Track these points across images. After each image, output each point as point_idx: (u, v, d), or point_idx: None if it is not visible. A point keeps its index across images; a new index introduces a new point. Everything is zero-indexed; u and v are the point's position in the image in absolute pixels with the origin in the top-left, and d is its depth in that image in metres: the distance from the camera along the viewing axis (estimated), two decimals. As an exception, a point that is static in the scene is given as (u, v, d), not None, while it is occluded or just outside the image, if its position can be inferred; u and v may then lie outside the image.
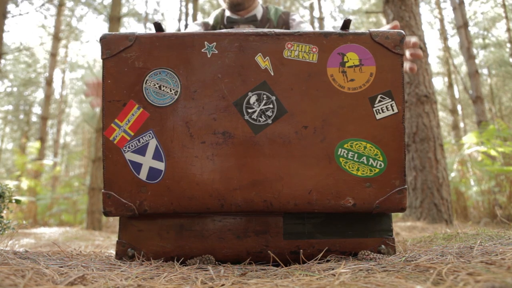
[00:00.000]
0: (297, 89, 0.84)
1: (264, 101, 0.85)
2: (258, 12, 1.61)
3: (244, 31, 0.87)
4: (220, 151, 0.86)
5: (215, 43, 0.86)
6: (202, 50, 0.86)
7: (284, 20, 1.62)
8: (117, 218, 7.88)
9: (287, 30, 0.88)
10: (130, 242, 0.94)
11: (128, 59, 0.85)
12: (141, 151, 0.86)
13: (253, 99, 0.85)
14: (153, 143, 0.85)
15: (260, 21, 1.59)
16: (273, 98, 0.85)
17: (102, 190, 0.88)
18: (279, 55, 0.85)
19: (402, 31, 0.86)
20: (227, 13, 1.60)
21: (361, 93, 0.83)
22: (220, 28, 1.59)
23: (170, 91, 0.86)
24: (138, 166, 0.86)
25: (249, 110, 0.85)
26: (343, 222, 0.90)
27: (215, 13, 1.66)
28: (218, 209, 0.86)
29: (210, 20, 1.64)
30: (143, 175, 0.86)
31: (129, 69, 0.85)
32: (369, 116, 0.84)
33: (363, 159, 0.84)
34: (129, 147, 0.86)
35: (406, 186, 0.86)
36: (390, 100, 0.83)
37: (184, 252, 0.92)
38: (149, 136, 0.86)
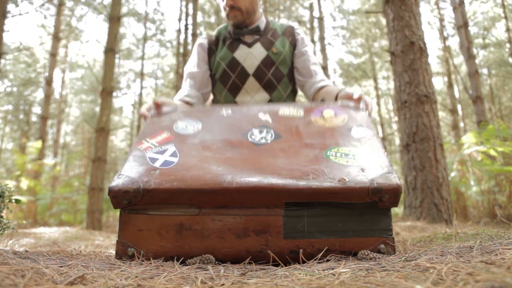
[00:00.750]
0: (290, 129, 1.11)
1: (264, 132, 1.10)
2: (262, 23, 1.67)
3: (256, 107, 1.23)
4: (227, 153, 1.02)
5: (230, 110, 1.21)
6: (221, 113, 1.19)
7: (290, 32, 1.70)
8: (117, 218, 7.89)
9: (281, 105, 1.22)
10: (130, 241, 0.95)
11: (166, 114, 1.21)
12: (161, 152, 1.04)
13: (256, 131, 1.10)
14: (172, 148, 1.05)
15: (263, 31, 1.66)
16: (271, 131, 1.10)
17: (118, 175, 0.97)
18: (276, 113, 1.18)
19: (358, 95, 1.23)
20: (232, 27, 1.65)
21: (342, 126, 1.11)
22: (224, 39, 1.68)
23: (194, 127, 1.14)
24: (155, 160, 1.01)
25: (252, 136, 1.09)
26: (343, 221, 0.92)
27: (221, 27, 1.73)
28: (218, 186, 0.90)
29: (216, 33, 1.70)
30: (157, 164, 0.99)
31: (167, 119, 1.18)
32: (348, 136, 1.06)
33: (350, 156, 0.99)
34: (151, 151, 1.05)
35: (394, 171, 0.94)
36: (365, 128, 1.10)
37: (184, 252, 0.93)
38: (170, 146, 1.06)
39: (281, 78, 1.63)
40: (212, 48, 1.68)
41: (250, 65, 1.60)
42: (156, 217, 0.94)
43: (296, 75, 1.69)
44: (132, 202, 0.92)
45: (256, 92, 1.62)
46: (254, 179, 0.90)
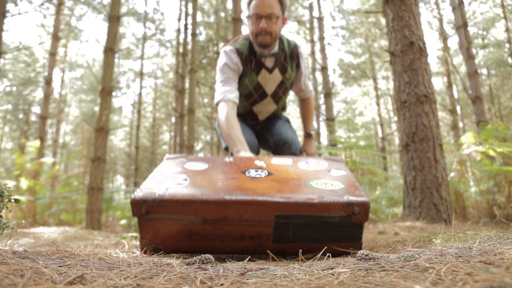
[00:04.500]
0: (280, 169, 1.35)
1: (259, 171, 1.33)
2: (277, 47, 2.01)
3: (246, 156, 1.56)
4: (229, 181, 1.23)
5: (232, 157, 1.48)
6: (224, 160, 1.45)
7: (296, 54, 2.08)
8: (117, 219, 7.85)
9: (270, 158, 1.49)
10: (151, 240, 1.15)
11: (178, 161, 1.47)
12: (175, 177, 1.27)
13: (252, 170, 1.34)
14: (183, 176, 1.28)
15: (279, 55, 2.01)
16: (265, 170, 1.34)
17: (139, 188, 1.20)
18: (269, 162, 1.44)
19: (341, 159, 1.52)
20: (255, 47, 1.98)
21: (323, 169, 1.37)
22: (250, 59, 1.99)
23: (201, 166, 1.39)
24: (169, 180, 1.24)
25: (249, 173, 1.31)
26: (322, 231, 1.12)
27: (243, 42, 2.00)
28: (221, 198, 1.10)
29: (243, 50, 1.98)
30: (171, 183, 1.21)
31: (178, 162, 1.44)
32: (328, 174, 1.32)
33: (329, 184, 1.22)
34: (166, 175, 1.29)
35: (364, 194, 1.18)
36: (342, 170, 1.36)
37: (194, 249, 1.16)
38: (182, 175, 1.30)
39: (286, 91, 2.14)
40: (244, 68, 1.99)
41: (269, 89, 2.07)
42: (169, 224, 1.12)
43: (293, 87, 2.21)
44: (149, 211, 1.11)
45: (268, 105, 2.14)
46: (249, 196, 1.11)
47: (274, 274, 0.78)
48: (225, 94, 1.89)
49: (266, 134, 2.20)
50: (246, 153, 1.66)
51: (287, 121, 2.28)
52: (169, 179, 1.24)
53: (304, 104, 2.32)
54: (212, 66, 11.66)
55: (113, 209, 7.08)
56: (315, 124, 15.30)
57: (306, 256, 1.08)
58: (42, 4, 10.95)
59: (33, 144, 6.50)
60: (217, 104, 1.93)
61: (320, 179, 1.27)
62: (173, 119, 16.43)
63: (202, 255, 0.96)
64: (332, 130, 8.90)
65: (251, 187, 1.18)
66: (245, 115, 2.19)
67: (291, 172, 1.33)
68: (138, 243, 2.26)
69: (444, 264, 0.71)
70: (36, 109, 18.14)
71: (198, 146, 20.72)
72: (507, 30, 12.00)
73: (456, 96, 14.83)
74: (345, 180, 1.27)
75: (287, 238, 1.12)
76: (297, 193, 1.13)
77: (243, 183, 1.21)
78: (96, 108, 20.12)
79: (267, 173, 1.31)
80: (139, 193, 1.13)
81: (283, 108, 2.33)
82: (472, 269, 0.66)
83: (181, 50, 10.53)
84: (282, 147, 2.05)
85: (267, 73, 2.01)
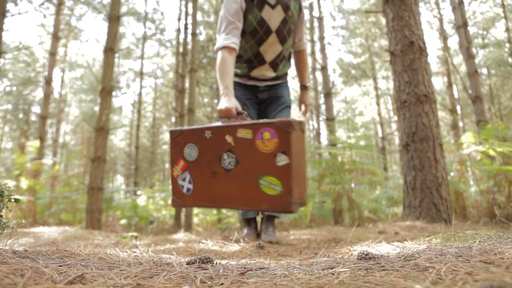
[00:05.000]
0: (245, 152, 1.55)
1: (230, 157, 1.56)
2: None
3: (220, 124, 1.65)
4: (213, 183, 1.59)
5: (210, 132, 1.63)
6: (205, 135, 1.64)
7: (300, 5, 2.26)
8: (117, 219, 7.88)
9: (236, 123, 1.61)
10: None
11: (179, 140, 1.69)
12: (183, 179, 1.63)
13: (225, 156, 1.58)
14: (188, 176, 1.63)
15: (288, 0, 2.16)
16: (235, 157, 1.56)
17: (173, 197, 1.65)
18: (235, 136, 1.57)
19: (291, 120, 1.54)
20: None
21: (271, 152, 1.51)
22: (253, 2, 2.11)
23: (194, 154, 1.65)
24: (182, 187, 1.62)
25: (225, 162, 1.57)
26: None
27: None
28: (211, 204, 1.59)
29: None
30: (184, 190, 1.62)
31: (179, 144, 1.66)
32: (274, 164, 1.49)
33: (272, 186, 1.47)
34: (179, 178, 1.63)
35: (293, 200, 1.47)
36: (285, 156, 1.49)
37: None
38: (187, 173, 1.64)
39: (290, 34, 2.21)
40: (247, 5, 2.08)
41: (273, 25, 2.13)
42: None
43: (295, 35, 2.30)
44: (182, 206, 1.63)
45: (274, 44, 2.18)
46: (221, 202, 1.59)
47: (274, 274, 0.78)
48: (223, 42, 1.98)
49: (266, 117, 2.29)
50: (228, 101, 1.81)
51: (288, 106, 2.35)
52: (181, 183, 1.66)
53: (299, 56, 2.42)
54: (212, 66, 11.66)
55: (113, 209, 7.08)
56: (315, 124, 15.29)
57: (306, 256, 1.09)
58: (42, 3, 10.95)
59: (33, 144, 6.50)
60: (216, 51, 2.01)
61: (266, 175, 1.53)
62: (173, 119, 16.42)
63: (202, 254, 0.96)
64: (332, 130, 8.90)
65: (222, 193, 1.58)
66: (252, 59, 2.21)
67: (250, 158, 1.59)
68: (138, 242, 2.26)
69: (444, 264, 0.71)
70: (36, 109, 18.15)
71: (198, 146, 20.65)
72: (507, 29, 12.00)
73: (456, 95, 14.83)
74: (284, 175, 1.51)
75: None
76: (247, 204, 1.55)
77: (219, 188, 1.60)
78: (96, 108, 20.12)
79: (235, 162, 1.58)
80: (171, 201, 1.70)
81: (288, 58, 2.35)
82: (472, 268, 0.66)
83: (181, 50, 10.53)
84: None
85: (270, 9, 2.10)
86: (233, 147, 1.59)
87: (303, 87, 2.49)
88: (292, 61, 2.47)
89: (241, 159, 1.57)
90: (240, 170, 1.55)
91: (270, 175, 1.51)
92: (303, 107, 2.46)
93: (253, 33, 2.14)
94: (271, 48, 2.19)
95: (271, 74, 2.30)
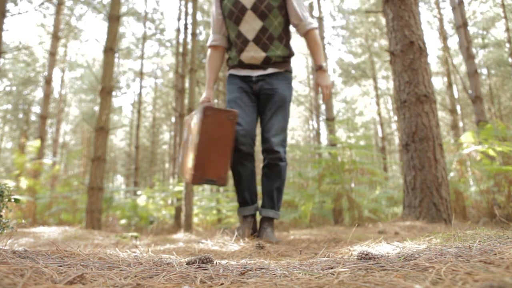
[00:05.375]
0: (191, 134, 2.00)
1: (189, 139, 1.93)
2: None
3: (192, 113, 2.11)
4: (184, 155, 2.11)
5: (189, 117, 2.11)
6: (189, 121, 2.12)
7: None
8: (117, 219, 7.85)
9: (193, 112, 2.13)
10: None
11: (185, 124, 2.25)
12: (179, 154, 2.17)
13: (189, 138, 1.97)
14: (181, 151, 2.18)
15: None
16: (190, 137, 1.97)
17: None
18: (194, 122, 2.00)
19: (205, 106, 1.98)
20: None
21: (194, 134, 1.96)
22: None
23: (184, 135, 2.14)
24: (178, 158, 2.23)
25: (188, 142, 1.97)
26: None
27: None
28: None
29: None
30: (179, 161, 2.20)
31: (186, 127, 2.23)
32: (189, 146, 2.04)
33: (190, 161, 1.94)
34: (178, 152, 2.51)
35: (195, 173, 1.89)
36: (198, 136, 1.92)
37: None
38: (180, 149, 2.16)
39: (272, 9, 2.19)
40: None
41: (248, 2, 2.18)
42: None
43: (291, 19, 2.28)
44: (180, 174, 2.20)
45: (252, 21, 2.20)
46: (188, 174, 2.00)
47: (274, 274, 0.78)
48: (209, 41, 2.37)
49: (260, 118, 2.33)
50: (204, 93, 2.31)
51: (284, 103, 2.25)
52: (179, 157, 2.24)
53: (307, 39, 2.31)
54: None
55: (113, 209, 7.08)
56: (314, 124, 15.30)
57: (306, 256, 1.10)
58: (42, 3, 10.95)
59: (33, 144, 6.50)
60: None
61: (191, 151, 1.92)
62: (173, 119, 16.42)
63: (202, 254, 0.96)
64: (332, 130, 8.89)
65: (183, 166, 2.08)
66: (236, 41, 2.27)
67: (191, 139, 1.96)
68: (138, 242, 2.26)
69: (444, 264, 0.71)
70: (36, 109, 18.14)
71: (198, 145, 20.65)
72: (507, 29, 12.00)
73: (456, 95, 14.82)
74: (194, 152, 1.90)
75: None
76: (188, 174, 1.99)
77: (184, 161, 2.07)
78: (96, 108, 20.12)
79: (189, 143, 2.00)
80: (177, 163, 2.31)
81: (282, 40, 2.27)
82: (472, 268, 0.66)
83: (181, 49, 10.53)
84: (267, 153, 2.22)
85: None
86: (190, 130, 2.03)
87: (318, 68, 2.28)
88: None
89: (191, 139, 2.01)
90: (186, 148, 2.01)
91: (191, 152, 1.91)
92: (320, 91, 2.28)
93: (230, 15, 2.24)
94: (251, 26, 2.20)
95: (260, 54, 2.23)
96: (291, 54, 2.34)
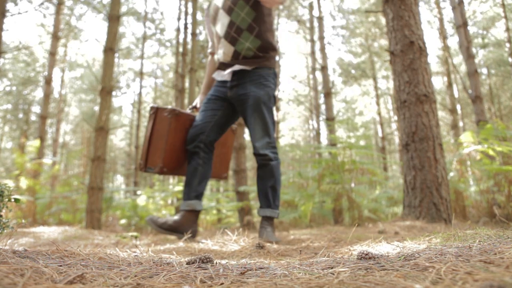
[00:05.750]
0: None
1: None
2: None
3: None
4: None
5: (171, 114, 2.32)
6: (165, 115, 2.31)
7: None
8: (117, 219, 7.87)
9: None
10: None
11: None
12: None
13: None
14: None
15: None
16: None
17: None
18: None
19: (152, 106, 2.34)
20: None
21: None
22: None
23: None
24: None
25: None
26: None
27: None
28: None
29: None
30: None
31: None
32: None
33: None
34: None
35: (141, 162, 2.30)
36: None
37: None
38: None
39: (237, 2, 2.22)
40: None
41: (220, 2, 2.30)
42: None
43: None
44: None
45: (222, 17, 2.28)
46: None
47: (274, 274, 0.78)
48: (208, 48, 2.55)
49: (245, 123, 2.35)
50: (196, 99, 2.56)
51: (258, 106, 2.21)
52: None
53: None
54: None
55: (113, 209, 7.07)
56: (314, 124, 15.28)
57: (306, 255, 1.09)
58: (42, 3, 10.94)
59: (33, 144, 6.50)
60: None
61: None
62: (173, 119, 16.36)
63: (202, 254, 0.96)
64: (332, 130, 8.89)
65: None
66: (216, 44, 2.39)
67: None
68: (138, 242, 2.26)
69: (444, 263, 0.71)
70: (36, 109, 18.13)
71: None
72: (507, 29, 11.99)
73: (456, 95, 14.82)
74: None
75: None
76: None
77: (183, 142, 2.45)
78: (96, 108, 20.11)
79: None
80: None
81: (253, 30, 2.21)
82: (472, 268, 0.66)
83: (181, 49, 10.52)
84: (256, 157, 2.27)
85: None
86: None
87: None
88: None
89: None
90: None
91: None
92: None
93: (211, 19, 2.39)
94: (222, 23, 2.28)
95: (229, 49, 2.24)
96: (266, 45, 2.24)
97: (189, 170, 2.29)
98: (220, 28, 2.29)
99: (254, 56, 2.24)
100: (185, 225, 2.16)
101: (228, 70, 2.26)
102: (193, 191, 2.24)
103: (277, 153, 2.29)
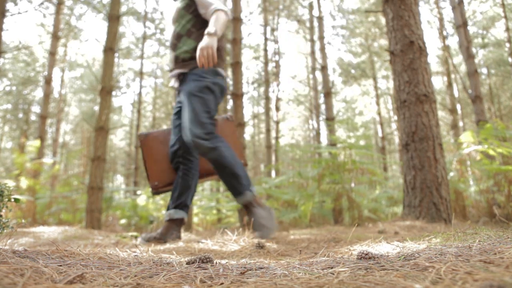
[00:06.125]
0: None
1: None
2: None
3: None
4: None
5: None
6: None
7: None
8: (117, 218, 7.89)
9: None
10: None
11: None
12: None
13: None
14: None
15: None
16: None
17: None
18: None
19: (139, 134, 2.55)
20: None
21: None
22: None
23: None
24: None
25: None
26: None
27: None
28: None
29: None
30: None
31: None
32: None
33: None
34: None
35: (157, 183, 2.47)
36: None
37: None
38: None
39: (179, 12, 2.36)
40: None
41: (171, 18, 2.42)
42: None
43: (200, 11, 2.28)
44: None
45: (171, 30, 2.40)
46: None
47: (274, 273, 0.78)
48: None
49: None
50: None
51: (186, 97, 2.20)
52: None
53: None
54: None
55: (113, 209, 7.07)
56: (314, 124, 15.28)
57: (306, 255, 1.09)
58: (42, 3, 10.94)
59: (33, 144, 6.50)
60: (219, 10, 2.45)
61: None
62: (173, 119, 16.37)
63: (202, 254, 0.96)
64: (331, 130, 8.89)
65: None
66: None
67: None
68: (138, 242, 2.27)
69: (444, 263, 0.71)
70: (36, 109, 18.13)
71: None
72: (507, 29, 11.99)
73: (456, 95, 14.82)
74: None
75: None
76: None
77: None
78: (96, 108, 20.11)
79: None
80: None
81: (189, 34, 2.30)
82: (472, 268, 0.66)
83: (181, 49, 10.52)
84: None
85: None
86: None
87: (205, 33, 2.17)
88: None
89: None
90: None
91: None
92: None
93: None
94: (172, 32, 2.40)
95: (172, 55, 2.35)
96: None
97: (175, 183, 2.44)
98: (170, 36, 2.41)
99: (191, 58, 2.26)
100: (167, 235, 2.30)
101: (172, 75, 2.37)
102: (172, 203, 2.39)
103: (210, 138, 2.15)
